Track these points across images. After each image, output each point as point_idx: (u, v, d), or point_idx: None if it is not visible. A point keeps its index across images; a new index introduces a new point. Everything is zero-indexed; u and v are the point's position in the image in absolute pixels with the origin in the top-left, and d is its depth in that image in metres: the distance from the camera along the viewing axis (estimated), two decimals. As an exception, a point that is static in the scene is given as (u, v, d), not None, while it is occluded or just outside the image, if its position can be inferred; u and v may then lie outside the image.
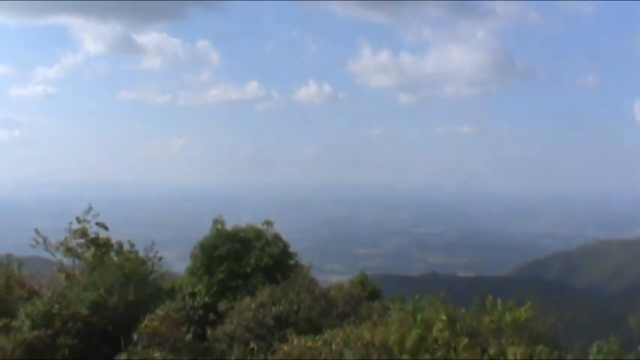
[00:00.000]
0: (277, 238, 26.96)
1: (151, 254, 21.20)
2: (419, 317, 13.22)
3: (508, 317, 13.98)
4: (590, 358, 12.66)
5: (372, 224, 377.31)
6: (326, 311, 20.23)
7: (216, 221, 27.14)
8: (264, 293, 20.75)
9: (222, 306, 22.03)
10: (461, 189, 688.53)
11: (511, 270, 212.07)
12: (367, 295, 25.83)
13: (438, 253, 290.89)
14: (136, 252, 21.56)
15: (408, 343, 11.48)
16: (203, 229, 27.42)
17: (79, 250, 21.40)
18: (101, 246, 21.53)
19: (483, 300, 15.51)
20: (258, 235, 26.74)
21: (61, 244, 21.00)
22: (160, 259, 21.44)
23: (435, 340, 11.86)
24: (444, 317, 11.91)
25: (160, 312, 16.52)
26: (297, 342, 13.56)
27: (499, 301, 14.97)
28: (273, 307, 19.90)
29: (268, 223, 27.22)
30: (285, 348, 13.67)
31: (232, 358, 17.67)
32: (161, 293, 20.33)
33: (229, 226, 27.20)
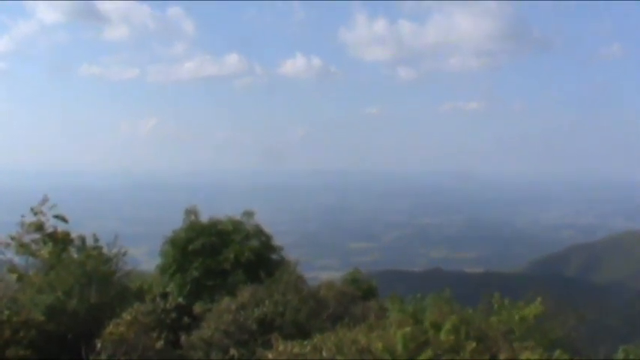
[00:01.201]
0: (259, 230, 26.99)
1: (116, 250, 21.01)
2: (421, 319, 13.23)
3: (517, 317, 14.06)
4: (616, 363, 12.74)
5: (367, 214, 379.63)
6: (315, 313, 20.28)
7: (189, 212, 27.16)
8: (245, 293, 20.79)
9: (197, 308, 22.07)
10: (467, 174, 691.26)
11: (524, 265, 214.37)
12: (362, 294, 25.88)
13: (441, 247, 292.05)
14: (100, 248, 21.39)
15: (409, 348, 11.47)
16: (176, 222, 27.54)
17: (34, 247, 20.98)
18: (59, 241, 21.26)
19: (497, 299, 15.57)
20: (238, 227, 26.79)
21: (13, 239, 20.61)
22: (125, 254, 21.26)
23: (440, 345, 11.85)
24: (452, 318, 11.89)
25: (126, 316, 16.44)
26: (283, 348, 13.57)
27: (508, 299, 15.06)
28: (255, 309, 19.94)
29: (249, 213, 27.35)
30: (270, 355, 13.70)
31: (210, 366, 17.43)
32: (128, 294, 20.25)
33: (205, 217, 27.25)
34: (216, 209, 30.97)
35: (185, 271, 25.48)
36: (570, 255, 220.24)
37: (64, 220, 22.22)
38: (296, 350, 13.39)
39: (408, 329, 11.17)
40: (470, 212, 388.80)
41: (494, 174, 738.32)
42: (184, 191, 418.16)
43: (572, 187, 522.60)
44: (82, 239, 21.74)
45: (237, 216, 27.24)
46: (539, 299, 14.34)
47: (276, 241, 27.51)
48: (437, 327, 11.69)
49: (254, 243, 25.98)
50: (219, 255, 25.65)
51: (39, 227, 21.25)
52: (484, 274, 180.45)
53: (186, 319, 20.92)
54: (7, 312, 15.76)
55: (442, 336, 11.78)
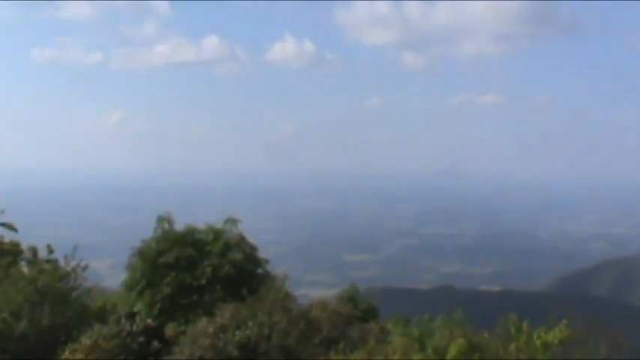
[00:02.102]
0: (243, 240, 27.02)
1: (75, 263, 20.93)
2: (428, 344, 13.23)
3: (538, 342, 14.06)
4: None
5: (366, 222, 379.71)
6: (306, 336, 20.28)
7: (161, 219, 27.17)
8: (225, 313, 20.78)
9: (169, 330, 22.06)
10: (482, 176, 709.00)
11: (548, 283, 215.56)
12: (360, 314, 25.97)
13: (452, 261, 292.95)
14: (55, 261, 21.30)
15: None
16: (146, 230, 27.50)
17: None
18: (7, 254, 21.11)
19: (513, 322, 15.56)
20: (218, 236, 26.81)
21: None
22: (85, 268, 21.19)
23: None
24: (458, 341, 11.89)
25: (85, 340, 16.35)
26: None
27: (528, 322, 15.02)
28: (237, 332, 19.93)
29: (232, 221, 27.32)
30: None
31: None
32: (88, 315, 20.15)
33: (180, 225, 27.25)
34: (194, 216, 30.92)
35: (155, 287, 25.44)
36: (603, 271, 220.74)
37: (12, 228, 22.08)
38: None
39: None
40: (485, 220, 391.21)
41: (514, 177, 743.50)
42: (156, 195, 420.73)
43: (605, 193, 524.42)
44: (34, 251, 21.62)
45: (218, 223, 27.33)
46: (564, 322, 14.30)
47: (262, 253, 27.59)
48: (441, 352, 11.67)
49: (236, 255, 26.00)
50: (196, 269, 25.68)
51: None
52: (501, 292, 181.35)
53: (156, 344, 20.96)
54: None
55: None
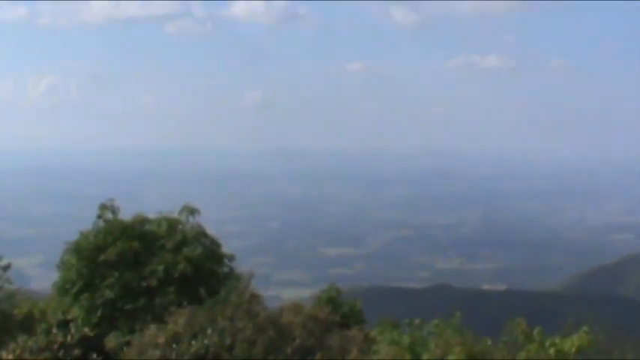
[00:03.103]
0: (202, 233, 27.19)
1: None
2: (421, 353, 13.34)
3: (552, 351, 14.20)
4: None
5: (348, 210, 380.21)
6: (276, 345, 20.36)
7: (103, 208, 27.23)
8: (179, 319, 20.79)
9: (111, 341, 22.06)
10: (483, 155, 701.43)
11: (564, 281, 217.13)
12: (341, 319, 26.25)
13: (450, 256, 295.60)
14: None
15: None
16: (84, 221, 27.63)
17: None
18: None
19: (522, 327, 15.69)
20: (172, 228, 26.99)
21: None
22: (8, 268, 21.07)
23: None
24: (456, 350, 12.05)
25: (7, 355, 16.22)
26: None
27: (540, 328, 15.17)
28: (193, 341, 19.97)
29: (189, 210, 27.53)
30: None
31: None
32: (11, 324, 20.03)
33: (126, 214, 27.34)
34: (143, 203, 30.90)
35: (95, 290, 25.43)
36: (627, 267, 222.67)
37: None
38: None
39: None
40: (489, 208, 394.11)
41: (523, 155, 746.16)
42: (97, 179, 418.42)
43: (631, 176, 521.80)
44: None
45: (172, 213, 27.48)
46: (584, 327, 14.49)
47: (225, 248, 27.73)
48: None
49: (194, 250, 26.11)
50: (144, 267, 25.70)
51: None
52: (508, 292, 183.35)
53: (95, 358, 20.75)
54: None
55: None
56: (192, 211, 27.31)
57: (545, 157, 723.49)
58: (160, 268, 25.23)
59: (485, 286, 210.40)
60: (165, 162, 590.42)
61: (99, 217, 26.75)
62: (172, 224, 26.90)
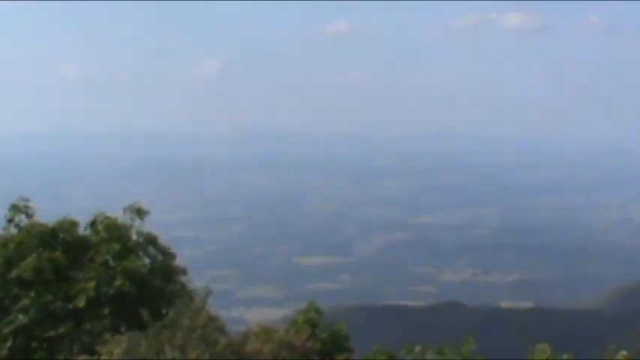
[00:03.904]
0: (149, 239, 27.89)
1: None
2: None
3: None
4: None
5: (331, 209, 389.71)
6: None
7: (15, 209, 27.49)
8: (115, 349, 20.90)
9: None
10: (503, 139, 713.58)
11: (603, 297, 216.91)
12: (321, 346, 26.85)
13: (461, 265, 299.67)
14: None
15: None
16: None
17: None
18: None
19: (549, 352, 16.08)
20: (109, 233, 27.21)
21: None
22: None
23: None
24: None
25: None
26: None
27: (571, 354, 15.50)
28: (133, 378, 20.09)
29: (132, 210, 28.05)
30: None
31: None
32: None
33: (46, 216, 27.51)
34: (69, 202, 30.84)
35: (5, 313, 25.48)
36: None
37: None
38: None
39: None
40: (509, 204, 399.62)
41: (550, 137, 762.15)
42: (10, 171, 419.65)
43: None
44: None
45: (109, 214, 27.80)
46: (622, 353, 14.95)
47: (177, 258, 28.33)
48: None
49: (136, 261, 26.44)
50: (71, 284, 25.83)
51: None
52: (534, 311, 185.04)
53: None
54: None
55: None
56: (136, 212, 27.68)
57: (578, 140, 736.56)
58: (91, 285, 25.22)
59: (505, 304, 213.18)
60: (99, 149, 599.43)
61: (9, 221, 26.83)
62: (107, 228, 27.03)
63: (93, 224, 27.46)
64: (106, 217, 27.35)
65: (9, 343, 23.97)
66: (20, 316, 24.41)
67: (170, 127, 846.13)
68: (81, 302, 24.86)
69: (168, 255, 27.54)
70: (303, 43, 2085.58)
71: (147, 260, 26.84)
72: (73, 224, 27.15)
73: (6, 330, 24.32)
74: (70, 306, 24.89)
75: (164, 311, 24.12)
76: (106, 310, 24.78)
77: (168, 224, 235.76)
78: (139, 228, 27.39)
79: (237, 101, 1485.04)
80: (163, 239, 27.78)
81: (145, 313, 23.28)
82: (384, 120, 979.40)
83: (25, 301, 24.68)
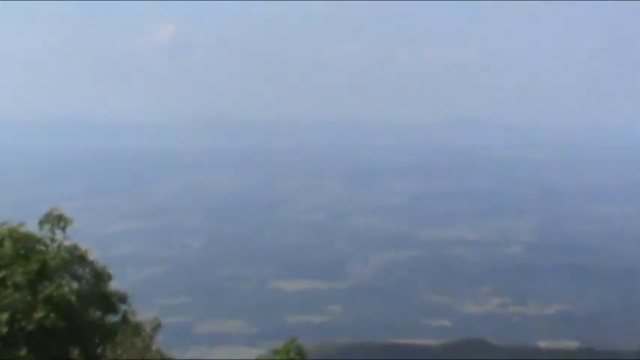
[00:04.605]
0: (78, 257, 27.06)
1: None
2: None
3: None
4: None
5: (318, 219, 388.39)
6: None
7: None
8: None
9: None
10: (538, 128, 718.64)
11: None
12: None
13: (485, 292, 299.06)
14: None
15: None
16: None
17: None
18: None
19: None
20: (28, 251, 26.56)
21: None
22: None
23: None
24: None
25: None
26: None
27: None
28: None
29: (56, 218, 27.32)
30: None
31: None
32: None
33: None
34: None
35: None
36: None
37: None
38: None
39: None
40: (547, 213, 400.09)
41: (599, 129, 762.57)
42: None
43: None
44: None
45: (27, 223, 26.95)
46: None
47: (118, 282, 27.39)
48: None
49: (59, 287, 25.41)
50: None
51: None
52: (580, 352, 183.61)
53: None
54: None
55: None
56: (60, 222, 26.76)
57: (634, 133, 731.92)
58: (4, 316, 24.47)
59: (544, 343, 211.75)
60: (11, 142, 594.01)
61: None
62: (25, 243, 26.29)
63: (1, 237, 26.32)
64: (14, 229, 26.28)
65: None
66: None
67: (105, 112, 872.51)
68: (-7, 339, 23.64)
69: (103, 277, 26.57)
70: (285, 5, 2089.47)
71: (75, 285, 25.92)
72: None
73: None
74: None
75: (99, 350, 23.74)
76: (23, 351, 24.09)
77: (103, 238, 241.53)
78: (62, 242, 26.51)
79: (199, 79, 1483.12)
80: (97, 257, 26.85)
81: (74, 353, 23.07)
82: (386, 105, 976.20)
83: None
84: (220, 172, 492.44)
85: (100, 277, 26.62)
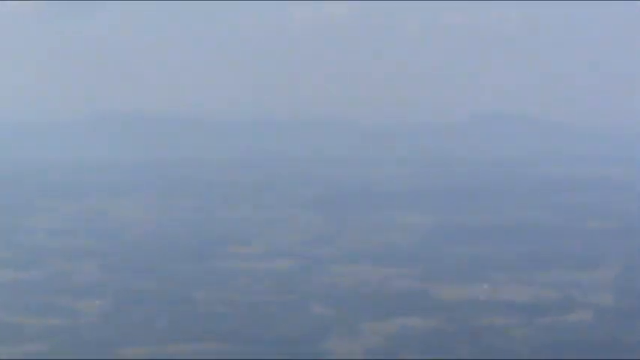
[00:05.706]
0: None
1: None
2: None
3: None
4: None
5: (280, 269, 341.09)
6: None
7: None
8: None
9: None
10: (599, 127, 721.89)
11: None
12: None
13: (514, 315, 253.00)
14: None
15: None
16: None
17: None
18: None
19: None
20: None
21: None
22: None
23: None
24: None
25: None
26: None
27: None
28: None
29: None
30: None
31: None
32: None
33: None
34: None
35: None
36: None
37: None
38: None
39: None
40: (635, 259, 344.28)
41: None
42: None
43: None
44: None
45: None
46: None
47: None
48: None
49: None
50: None
51: None
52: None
53: None
54: None
55: None
56: None
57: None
58: None
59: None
60: None
61: None
62: None
63: None
64: None
65: None
66: None
67: (27, 103, 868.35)
68: None
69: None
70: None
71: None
72: None
73: None
74: None
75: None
76: None
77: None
78: None
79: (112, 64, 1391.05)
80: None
81: None
82: (383, 96, 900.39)
83: None
84: (132, 195, 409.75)
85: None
